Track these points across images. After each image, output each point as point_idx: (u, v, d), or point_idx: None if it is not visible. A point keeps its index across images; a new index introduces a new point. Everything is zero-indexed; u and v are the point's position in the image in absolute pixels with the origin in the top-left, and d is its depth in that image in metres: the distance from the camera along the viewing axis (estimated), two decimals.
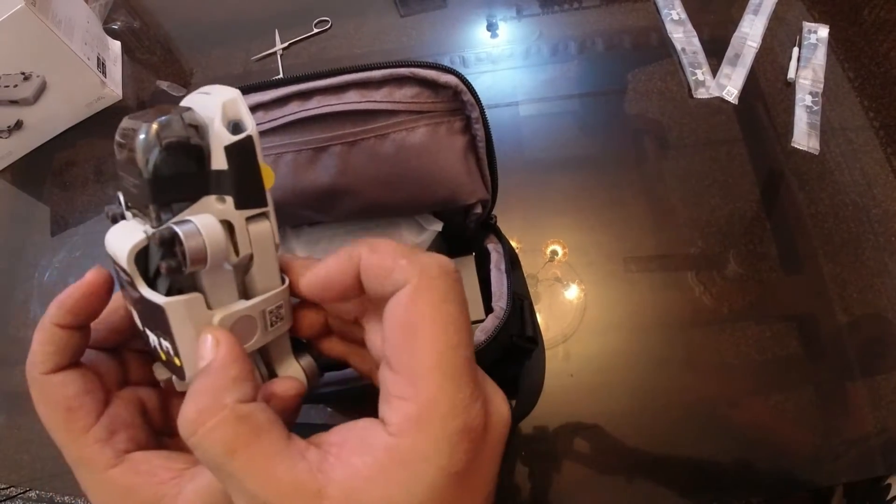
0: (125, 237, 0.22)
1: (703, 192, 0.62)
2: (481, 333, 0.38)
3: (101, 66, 0.78)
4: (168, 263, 0.20)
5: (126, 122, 0.21)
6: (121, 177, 0.22)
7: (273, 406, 0.22)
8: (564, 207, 0.64)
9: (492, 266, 0.42)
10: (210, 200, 0.21)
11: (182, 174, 0.21)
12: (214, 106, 0.21)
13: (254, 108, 0.36)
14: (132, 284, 0.21)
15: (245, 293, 0.23)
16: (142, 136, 0.20)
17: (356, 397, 0.35)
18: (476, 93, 0.35)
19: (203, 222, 0.20)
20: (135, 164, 0.20)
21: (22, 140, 0.78)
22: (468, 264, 0.45)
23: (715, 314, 0.57)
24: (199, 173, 0.21)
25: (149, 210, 0.21)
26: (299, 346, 0.27)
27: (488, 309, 0.41)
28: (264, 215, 0.23)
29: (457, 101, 0.36)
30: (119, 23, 0.87)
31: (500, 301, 0.40)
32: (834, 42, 0.69)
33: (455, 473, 0.18)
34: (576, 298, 0.59)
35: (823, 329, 0.56)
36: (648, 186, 0.64)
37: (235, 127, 0.21)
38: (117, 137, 0.21)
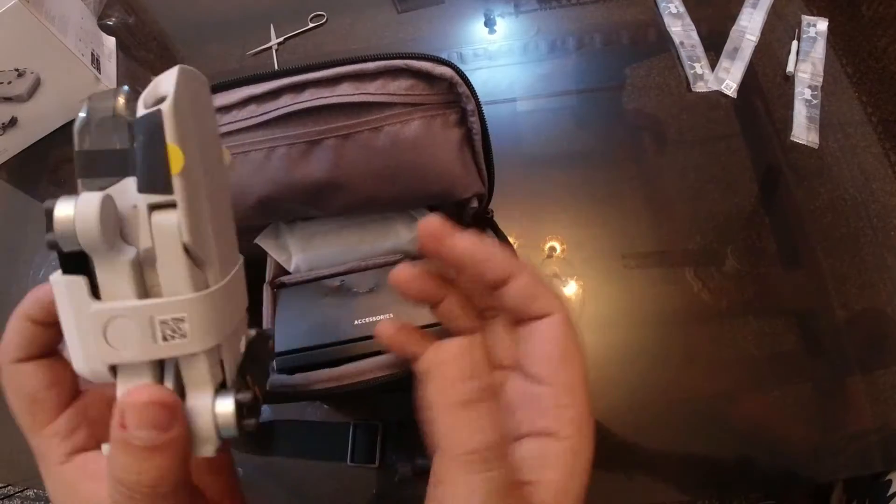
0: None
1: (702, 187, 0.62)
2: None
3: (96, 62, 0.77)
4: (47, 238, 0.19)
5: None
6: None
7: (129, 423, 0.19)
8: (562, 203, 0.64)
9: None
10: (130, 181, 0.20)
11: (107, 151, 0.20)
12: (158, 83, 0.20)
13: (246, 101, 0.36)
14: None
15: (147, 295, 0.21)
16: (80, 111, 0.20)
17: (352, 395, 0.35)
18: (472, 85, 0.35)
19: (82, 200, 0.19)
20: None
21: (16, 137, 0.77)
22: None
23: (713, 310, 0.56)
24: (120, 152, 0.20)
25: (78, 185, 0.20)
26: (241, 385, 0.23)
27: None
28: (173, 207, 0.20)
29: (452, 94, 0.35)
30: (114, 19, 0.87)
31: None
32: (832, 37, 0.69)
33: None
34: (574, 294, 0.59)
35: (822, 324, 0.55)
36: (646, 181, 0.63)
37: (156, 102, 0.20)
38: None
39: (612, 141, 0.67)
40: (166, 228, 0.19)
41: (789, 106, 0.65)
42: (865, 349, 0.54)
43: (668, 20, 0.72)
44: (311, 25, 0.80)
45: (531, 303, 0.25)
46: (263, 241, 0.45)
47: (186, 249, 0.20)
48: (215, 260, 0.21)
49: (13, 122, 0.75)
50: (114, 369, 0.21)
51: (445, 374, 0.22)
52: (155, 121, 0.19)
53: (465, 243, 0.25)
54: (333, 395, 0.41)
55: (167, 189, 0.19)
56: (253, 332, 0.26)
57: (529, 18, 0.77)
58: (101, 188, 0.20)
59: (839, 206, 0.60)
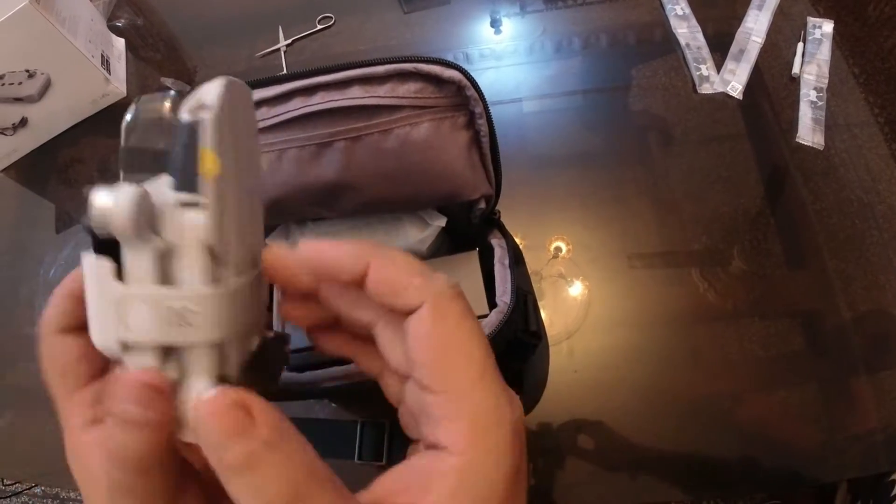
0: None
1: (708, 188, 0.62)
2: (485, 328, 0.38)
3: (106, 63, 0.78)
4: (82, 221, 0.21)
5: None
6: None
7: (115, 394, 0.20)
8: (568, 204, 0.64)
9: (495, 261, 0.42)
10: (167, 179, 0.22)
11: (150, 150, 0.22)
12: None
13: (257, 104, 0.36)
14: None
15: (167, 283, 0.22)
16: (130, 107, 0.22)
17: (360, 392, 0.35)
18: (479, 88, 0.35)
19: (121, 189, 0.20)
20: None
21: (27, 137, 0.78)
22: (472, 259, 0.45)
23: (719, 310, 0.57)
24: (166, 152, 0.22)
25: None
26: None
27: (492, 304, 0.41)
28: (202, 208, 0.21)
29: (460, 97, 0.36)
30: (123, 20, 0.87)
31: (503, 296, 0.40)
32: (838, 38, 0.69)
33: (515, 473, 0.20)
34: (580, 295, 0.59)
35: (828, 325, 0.56)
36: (652, 182, 0.64)
37: (199, 108, 0.21)
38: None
39: (618, 142, 0.67)
40: (191, 226, 0.21)
41: (795, 107, 0.65)
42: (871, 350, 0.54)
43: (673, 22, 0.72)
44: (319, 27, 0.80)
45: (394, 294, 0.21)
46: (274, 242, 0.46)
47: (207, 248, 0.21)
48: (234, 260, 0.23)
49: (24, 122, 0.76)
50: (125, 348, 0.22)
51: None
52: (194, 127, 0.21)
53: (303, 250, 0.24)
54: (341, 393, 0.41)
55: (197, 190, 0.21)
56: (271, 335, 0.27)
57: (535, 19, 0.77)
58: (140, 182, 0.21)
59: (845, 206, 0.60)
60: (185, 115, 0.21)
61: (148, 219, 0.21)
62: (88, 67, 0.74)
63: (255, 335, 0.26)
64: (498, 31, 0.78)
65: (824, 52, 0.68)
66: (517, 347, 0.42)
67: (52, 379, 0.24)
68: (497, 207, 0.43)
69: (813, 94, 0.65)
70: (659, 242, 0.60)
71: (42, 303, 0.69)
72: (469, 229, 0.44)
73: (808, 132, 0.63)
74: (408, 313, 0.21)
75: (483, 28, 0.78)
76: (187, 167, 0.21)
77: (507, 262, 0.42)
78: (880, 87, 0.66)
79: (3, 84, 0.70)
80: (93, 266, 0.21)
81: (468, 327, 0.21)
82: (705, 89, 0.67)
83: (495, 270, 0.42)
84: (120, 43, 0.84)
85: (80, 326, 0.24)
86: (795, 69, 0.67)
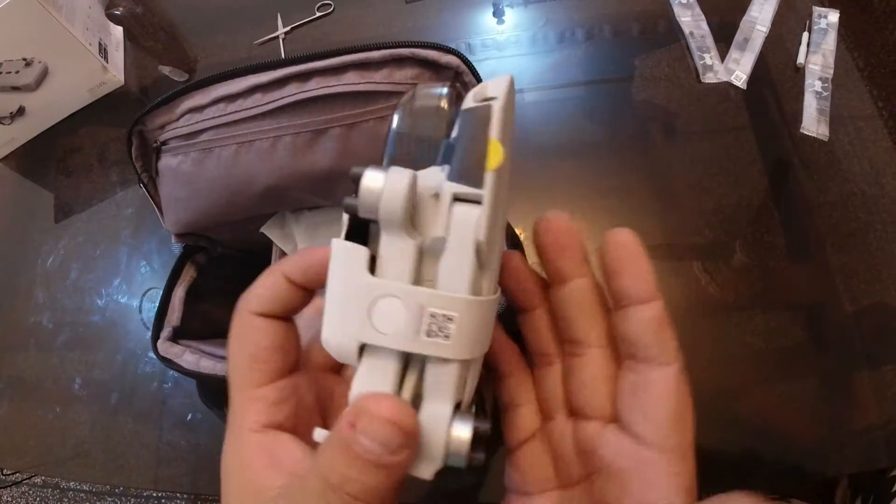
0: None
1: (710, 179, 0.62)
2: None
3: (103, 51, 0.77)
4: (347, 200, 0.19)
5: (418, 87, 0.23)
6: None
7: (360, 428, 0.18)
8: (570, 195, 0.63)
9: None
10: (435, 169, 0.20)
11: (423, 137, 0.21)
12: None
13: (252, 90, 0.36)
14: None
15: (420, 282, 0.20)
16: (413, 98, 0.22)
17: None
18: (478, 74, 0.35)
19: (393, 174, 0.19)
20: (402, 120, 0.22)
21: (24, 126, 0.78)
22: None
23: (721, 303, 0.56)
24: (437, 142, 0.21)
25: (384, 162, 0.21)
26: (478, 411, 0.22)
27: None
28: (476, 202, 0.19)
29: (458, 83, 0.35)
30: (121, 8, 0.87)
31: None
32: (843, 30, 0.68)
33: None
34: None
35: (830, 319, 0.55)
36: (654, 173, 0.63)
37: (484, 101, 0.20)
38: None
39: (621, 132, 0.66)
40: (465, 221, 0.19)
41: (799, 98, 0.64)
42: (873, 344, 0.53)
43: (677, 10, 0.71)
44: (318, 15, 0.80)
45: (654, 342, 0.22)
46: (269, 230, 0.46)
47: (477, 248, 0.19)
48: (494, 267, 0.21)
49: (21, 111, 0.75)
50: (360, 350, 0.20)
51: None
52: (484, 114, 0.19)
53: (623, 236, 0.24)
54: None
55: (478, 182, 0.19)
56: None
57: (538, 9, 0.77)
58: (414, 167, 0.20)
59: (849, 200, 0.59)
60: (470, 102, 0.20)
61: (413, 209, 0.19)
62: (86, 56, 0.74)
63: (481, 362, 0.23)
64: (500, 21, 0.77)
65: (830, 43, 0.67)
66: (516, 339, 0.42)
67: (237, 364, 0.22)
68: None
69: (818, 85, 0.64)
70: (661, 234, 0.60)
71: (41, 292, 0.69)
72: None
73: (813, 123, 0.62)
74: (649, 363, 0.23)
75: (485, 18, 0.77)
76: (471, 156, 0.19)
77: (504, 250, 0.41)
78: (885, 80, 0.65)
79: (0, 73, 0.69)
80: (344, 252, 0.19)
81: (689, 393, 0.23)
82: (709, 78, 0.66)
83: None
84: (118, 31, 0.84)
85: (285, 314, 0.23)
86: (800, 59, 0.66)
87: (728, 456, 0.51)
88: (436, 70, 0.34)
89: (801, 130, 0.62)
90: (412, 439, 0.18)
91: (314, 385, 0.24)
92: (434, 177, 0.20)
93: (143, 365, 0.63)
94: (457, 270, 0.19)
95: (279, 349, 0.22)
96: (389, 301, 0.19)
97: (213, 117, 0.37)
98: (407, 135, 0.21)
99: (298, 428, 0.22)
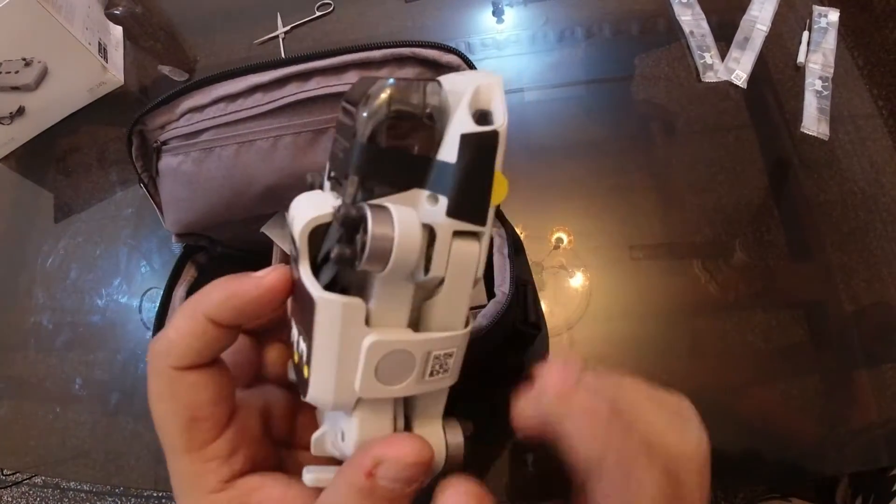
0: (310, 206, 0.18)
1: (711, 178, 0.62)
2: (483, 318, 0.37)
3: (103, 51, 0.77)
4: (341, 249, 0.16)
5: (360, 80, 0.18)
6: (335, 140, 0.19)
7: (381, 474, 0.17)
8: (570, 194, 0.63)
9: (494, 250, 0.42)
10: (420, 196, 0.17)
11: (399, 153, 0.17)
12: (465, 88, 0.18)
13: (252, 90, 0.36)
14: (296, 261, 0.18)
15: (415, 324, 0.19)
16: (372, 93, 0.17)
17: None
18: None
19: (402, 216, 0.16)
20: (352, 124, 0.17)
21: (24, 126, 0.77)
22: None
23: (721, 302, 0.56)
24: (419, 159, 0.18)
25: (346, 182, 0.17)
26: (453, 412, 0.22)
27: (490, 294, 0.40)
28: (476, 237, 0.18)
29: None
30: (121, 8, 0.87)
31: (502, 286, 0.39)
32: (843, 29, 0.68)
33: None
34: (581, 286, 0.58)
35: (830, 318, 0.55)
36: (655, 173, 0.63)
37: (482, 117, 0.17)
38: (346, 94, 0.18)
39: (621, 131, 0.66)
40: (466, 260, 0.18)
41: (800, 97, 0.64)
42: (873, 343, 0.53)
43: (677, 9, 0.71)
44: (317, 14, 0.79)
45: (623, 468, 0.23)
46: (269, 230, 0.45)
47: (475, 284, 0.18)
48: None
49: (21, 111, 0.75)
50: (361, 401, 0.19)
51: None
52: (489, 144, 0.17)
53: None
54: None
55: (482, 220, 0.17)
56: None
57: (538, 8, 0.77)
58: (383, 195, 0.17)
59: (849, 199, 0.59)
60: (467, 121, 0.17)
61: None
62: (86, 56, 0.74)
63: None
64: (500, 21, 0.77)
65: (830, 41, 0.67)
66: (516, 338, 0.42)
67: (173, 429, 0.20)
68: None
69: (818, 84, 0.64)
70: (661, 233, 0.60)
71: (40, 292, 0.69)
72: None
73: (814, 122, 0.62)
74: None
75: (485, 17, 0.77)
76: (475, 190, 0.17)
77: (506, 251, 0.41)
78: (885, 79, 0.65)
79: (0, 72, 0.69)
80: (339, 308, 0.17)
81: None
82: (709, 77, 0.66)
83: (494, 260, 0.41)
84: (118, 31, 0.84)
85: (213, 360, 0.20)
86: (800, 58, 0.66)
87: (729, 455, 0.51)
88: (437, 69, 0.34)
89: (802, 129, 0.62)
90: (431, 468, 0.18)
91: (254, 410, 0.22)
92: (421, 204, 0.18)
93: (143, 365, 0.62)
94: (455, 308, 0.18)
95: (220, 401, 0.20)
96: (397, 354, 0.18)
97: (214, 117, 0.37)
98: (382, 149, 0.17)
99: (257, 460, 0.21)
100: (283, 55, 0.77)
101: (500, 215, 0.44)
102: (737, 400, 0.53)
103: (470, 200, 0.17)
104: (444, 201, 0.17)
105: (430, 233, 0.17)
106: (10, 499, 1.28)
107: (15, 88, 0.72)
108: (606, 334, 0.56)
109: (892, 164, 0.60)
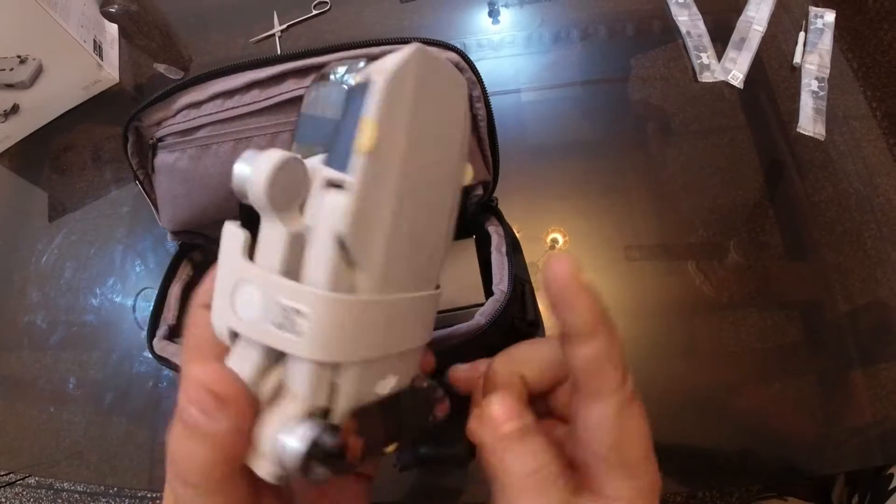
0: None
1: (706, 178, 0.62)
2: (481, 317, 0.37)
3: (98, 49, 0.77)
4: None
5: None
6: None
7: (186, 396, 0.18)
8: (566, 194, 0.63)
9: (493, 249, 0.42)
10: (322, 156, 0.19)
11: (322, 119, 0.20)
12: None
13: (249, 86, 0.35)
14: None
15: (290, 273, 0.18)
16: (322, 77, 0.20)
17: None
18: (478, 71, 0.34)
19: (264, 156, 0.17)
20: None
21: (18, 124, 0.77)
22: (468, 247, 0.45)
23: (715, 302, 0.56)
24: (337, 123, 0.19)
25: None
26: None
27: (489, 293, 0.40)
28: (344, 189, 0.17)
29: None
30: (116, 5, 0.86)
31: (500, 284, 0.39)
32: (838, 30, 0.68)
33: None
34: None
35: (825, 318, 0.55)
36: (650, 173, 0.63)
37: (375, 72, 0.18)
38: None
39: (617, 132, 0.66)
40: (327, 210, 0.17)
41: (795, 98, 0.65)
42: (868, 343, 0.54)
43: (674, 10, 0.72)
44: (314, 13, 0.79)
45: (592, 378, 0.22)
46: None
47: (341, 241, 0.18)
48: (376, 269, 0.19)
49: (15, 108, 0.75)
50: (234, 336, 0.19)
51: (492, 415, 0.22)
52: (361, 91, 0.18)
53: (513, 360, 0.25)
54: None
55: (343, 167, 0.18)
56: (423, 384, 0.23)
57: (534, 8, 0.77)
58: (307, 155, 0.19)
59: (843, 199, 0.59)
60: (351, 78, 0.18)
61: (295, 193, 0.18)
62: (81, 53, 0.73)
63: (395, 376, 0.21)
64: (496, 21, 0.77)
65: (826, 42, 0.67)
66: (514, 337, 0.42)
67: (185, 350, 0.22)
68: (494, 195, 0.43)
69: (814, 84, 0.65)
70: (656, 234, 0.60)
71: (34, 291, 0.68)
72: (466, 216, 0.43)
73: (810, 122, 0.63)
74: (586, 398, 0.23)
75: (481, 18, 0.77)
76: (342, 137, 0.17)
77: (504, 249, 0.41)
78: (880, 81, 0.65)
79: None
80: (227, 235, 0.19)
81: (639, 422, 0.24)
82: (706, 77, 0.67)
83: (492, 258, 0.41)
84: (113, 29, 0.83)
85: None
86: (797, 59, 0.66)
87: (724, 454, 0.51)
88: None
89: (798, 130, 0.63)
90: (225, 406, 0.17)
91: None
92: (316, 163, 0.18)
93: (137, 365, 0.62)
94: (315, 262, 0.18)
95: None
96: (248, 287, 0.18)
97: (211, 113, 0.37)
98: (309, 116, 0.20)
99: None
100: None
101: (498, 214, 0.44)
102: (732, 400, 0.53)
103: (337, 147, 0.18)
104: (324, 155, 0.19)
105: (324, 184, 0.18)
106: (3, 499, 1.27)
107: (9, 86, 0.71)
108: None
109: (886, 165, 0.61)
